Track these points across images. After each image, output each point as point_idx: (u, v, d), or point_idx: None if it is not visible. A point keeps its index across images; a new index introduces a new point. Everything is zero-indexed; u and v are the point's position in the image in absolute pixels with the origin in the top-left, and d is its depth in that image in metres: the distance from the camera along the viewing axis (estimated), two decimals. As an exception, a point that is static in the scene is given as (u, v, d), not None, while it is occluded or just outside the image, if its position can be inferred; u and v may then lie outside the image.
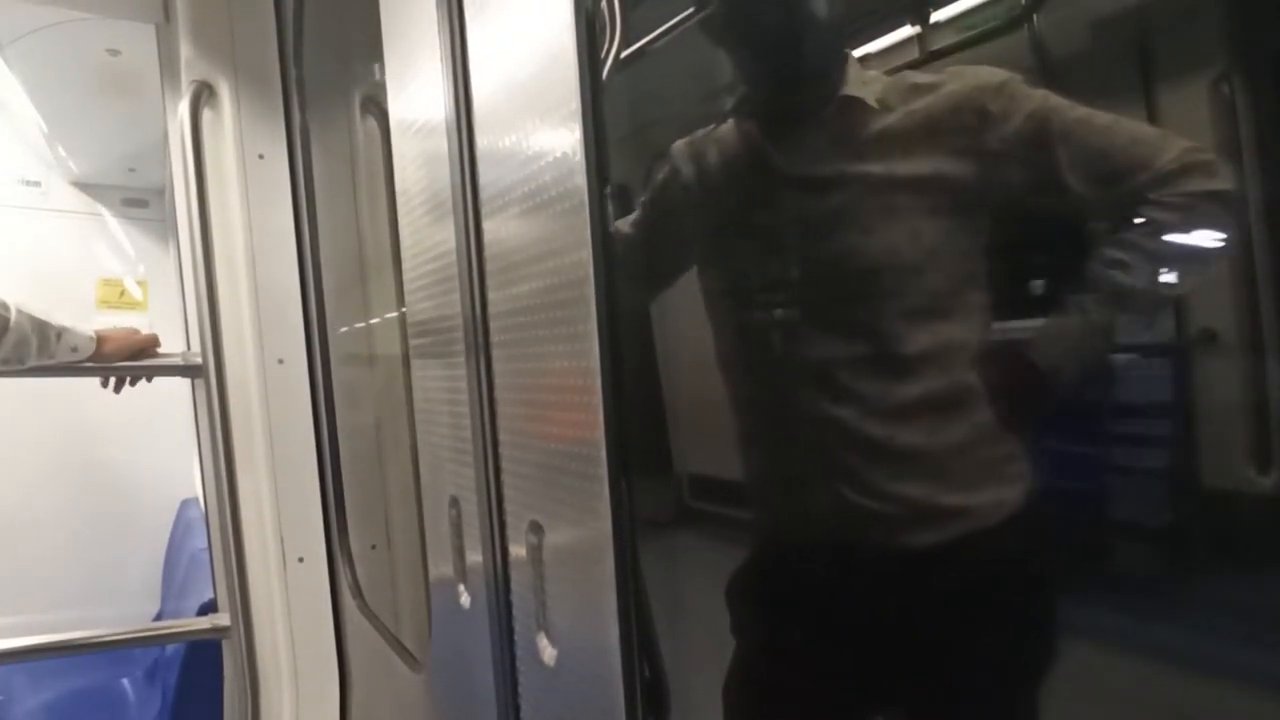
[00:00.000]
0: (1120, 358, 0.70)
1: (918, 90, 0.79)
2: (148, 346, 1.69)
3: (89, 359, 1.57)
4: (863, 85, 0.82)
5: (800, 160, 0.85)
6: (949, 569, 0.79)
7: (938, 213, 0.76)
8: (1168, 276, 0.67)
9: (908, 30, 0.82)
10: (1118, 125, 0.69)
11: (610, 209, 0.75)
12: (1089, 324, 0.70)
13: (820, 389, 0.83)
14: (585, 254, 0.74)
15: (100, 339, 1.58)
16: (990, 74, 0.74)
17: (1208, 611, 0.62)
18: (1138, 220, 0.67)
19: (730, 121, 0.93)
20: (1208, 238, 0.65)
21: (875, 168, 0.80)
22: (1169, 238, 0.66)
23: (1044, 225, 0.74)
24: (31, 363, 1.46)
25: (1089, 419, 0.70)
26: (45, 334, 1.45)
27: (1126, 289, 0.67)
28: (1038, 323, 0.73)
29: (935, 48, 0.79)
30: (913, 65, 0.80)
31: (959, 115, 0.75)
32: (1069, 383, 0.71)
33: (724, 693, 0.96)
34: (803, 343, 0.86)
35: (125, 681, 3.20)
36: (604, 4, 0.78)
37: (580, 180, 0.74)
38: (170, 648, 2.56)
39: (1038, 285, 0.74)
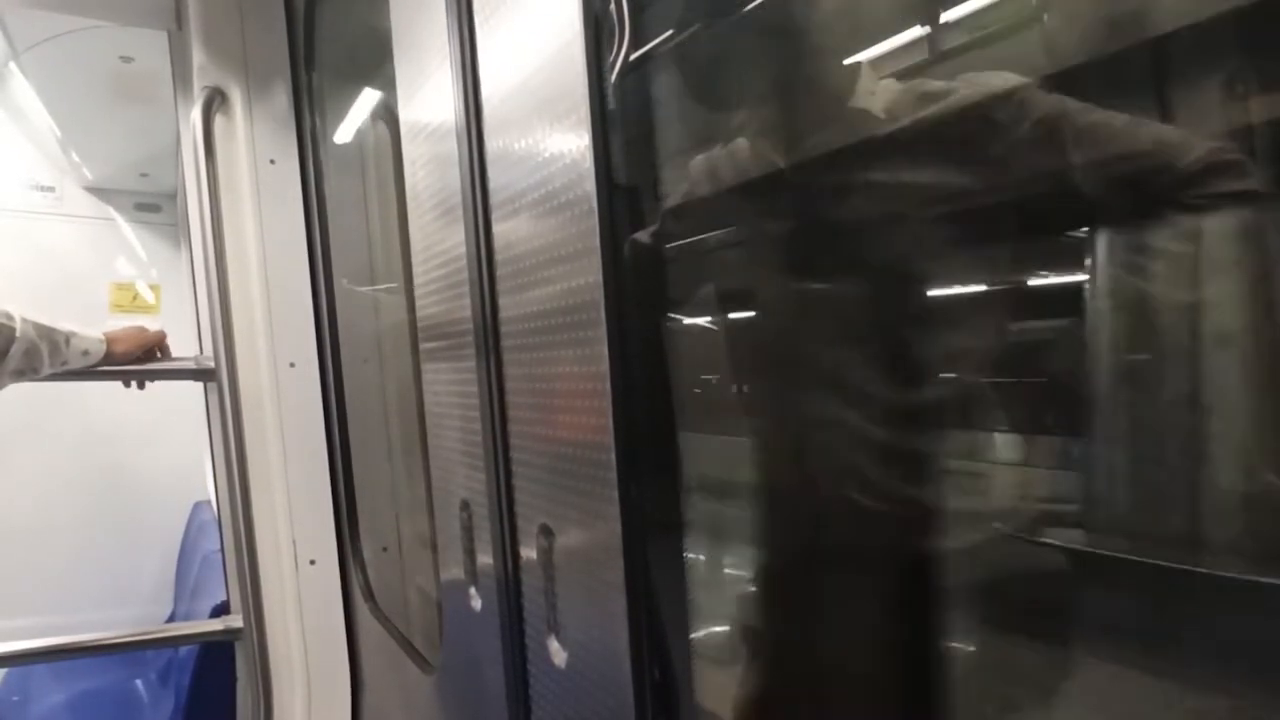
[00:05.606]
0: (1142, 364, 0.68)
1: (927, 99, 0.77)
2: (156, 343, 1.71)
3: (101, 361, 1.58)
4: (871, 96, 0.81)
5: (810, 172, 0.85)
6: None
7: (946, 221, 0.76)
8: (1191, 281, 0.64)
9: (918, 31, 0.81)
10: (1137, 127, 0.66)
11: (620, 213, 0.75)
12: (1108, 330, 0.69)
13: (832, 393, 0.83)
14: (595, 259, 0.75)
15: (110, 340, 1.60)
16: (1000, 81, 0.72)
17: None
18: (1160, 224, 0.65)
19: (742, 136, 0.93)
20: (1234, 240, 0.63)
21: (882, 177, 0.79)
22: (1193, 241, 0.64)
23: (1058, 231, 0.72)
24: (46, 371, 1.47)
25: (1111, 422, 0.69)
26: (54, 340, 1.47)
27: (1147, 294, 0.65)
28: (1053, 328, 0.72)
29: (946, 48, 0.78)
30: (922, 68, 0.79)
31: (966, 124, 0.74)
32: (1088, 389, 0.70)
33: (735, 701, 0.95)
34: (817, 349, 0.86)
35: (139, 682, 3.22)
36: (612, 8, 0.78)
37: (590, 185, 0.74)
38: (183, 649, 2.57)
39: (1054, 291, 0.72)
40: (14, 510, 3.68)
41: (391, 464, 2.06)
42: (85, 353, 1.55)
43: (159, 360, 1.73)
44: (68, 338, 1.50)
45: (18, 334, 1.38)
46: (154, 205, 4.17)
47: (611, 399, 0.75)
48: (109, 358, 1.59)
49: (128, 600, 3.81)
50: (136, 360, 1.67)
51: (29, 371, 1.43)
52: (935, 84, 0.77)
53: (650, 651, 0.76)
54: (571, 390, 0.81)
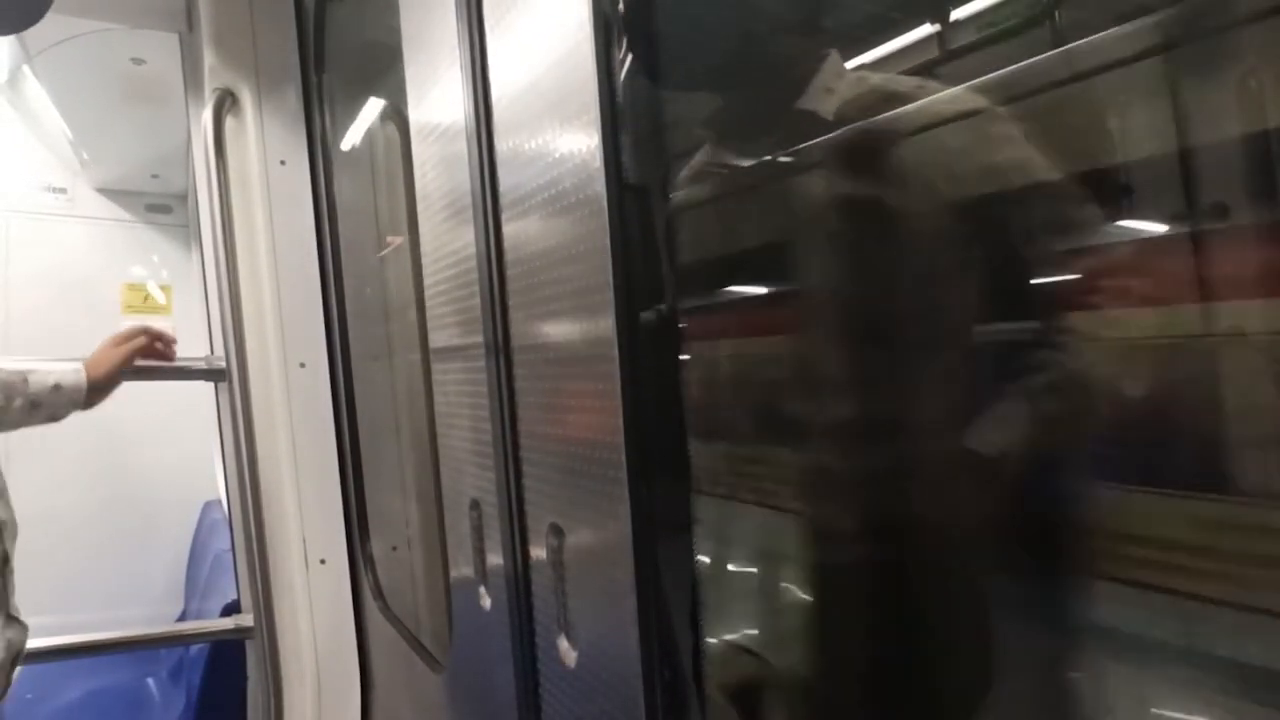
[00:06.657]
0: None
1: (888, 100, 0.70)
2: (133, 355, 1.60)
3: (84, 390, 1.51)
4: (825, 94, 0.74)
5: (757, 177, 0.81)
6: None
7: (873, 241, 0.70)
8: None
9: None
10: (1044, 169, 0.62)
11: (630, 213, 0.75)
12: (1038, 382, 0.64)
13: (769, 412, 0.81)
14: (605, 258, 0.75)
15: (90, 366, 1.52)
16: (952, 104, 0.65)
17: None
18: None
19: (709, 142, 0.89)
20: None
21: (818, 186, 0.74)
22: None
23: (990, 269, 0.68)
24: (15, 416, 1.39)
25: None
26: (7, 382, 1.33)
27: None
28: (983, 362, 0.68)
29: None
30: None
31: (910, 141, 0.68)
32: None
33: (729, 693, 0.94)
34: (760, 364, 0.83)
35: (150, 681, 3.24)
36: (621, 9, 0.78)
37: (599, 185, 0.75)
38: (194, 648, 2.59)
39: (983, 327, 0.69)
40: (25, 510, 3.69)
41: (401, 463, 2.07)
42: (57, 387, 1.44)
43: (164, 360, 1.73)
44: (25, 376, 1.38)
45: None
46: (165, 206, 4.20)
47: (621, 398, 0.75)
48: (92, 383, 1.52)
49: (139, 599, 3.83)
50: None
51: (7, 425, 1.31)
52: (903, 82, 0.70)
53: (661, 651, 0.76)
54: (581, 390, 0.82)
